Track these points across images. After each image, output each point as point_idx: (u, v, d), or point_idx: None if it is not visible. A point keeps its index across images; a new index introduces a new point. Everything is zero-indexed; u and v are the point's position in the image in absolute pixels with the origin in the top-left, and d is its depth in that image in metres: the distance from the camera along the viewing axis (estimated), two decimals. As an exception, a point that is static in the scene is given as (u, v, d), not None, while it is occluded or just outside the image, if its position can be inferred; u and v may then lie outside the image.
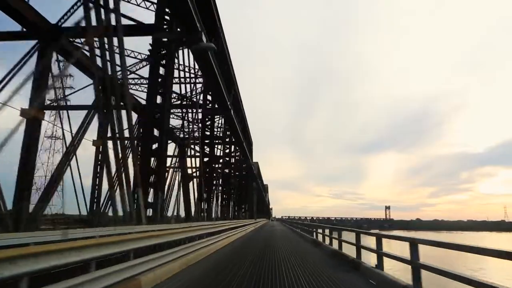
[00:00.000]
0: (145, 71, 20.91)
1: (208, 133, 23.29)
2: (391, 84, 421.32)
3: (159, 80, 12.55)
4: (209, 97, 22.86)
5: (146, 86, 18.69)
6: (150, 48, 13.57)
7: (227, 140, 29.62)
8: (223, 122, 27.78)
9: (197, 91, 22.12)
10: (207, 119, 23.34)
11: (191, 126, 20.66)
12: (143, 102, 17.26)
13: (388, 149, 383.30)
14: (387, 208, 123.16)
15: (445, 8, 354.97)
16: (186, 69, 18.43)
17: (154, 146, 12.37)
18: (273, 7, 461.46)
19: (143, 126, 12.65)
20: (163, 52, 12.74)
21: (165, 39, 12.80)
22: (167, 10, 13.05)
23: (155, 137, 12.35)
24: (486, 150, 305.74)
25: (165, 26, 12.99)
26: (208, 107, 22.77)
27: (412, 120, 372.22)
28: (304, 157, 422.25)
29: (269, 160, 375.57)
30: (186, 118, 21.93)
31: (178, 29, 12.97)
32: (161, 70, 12.69)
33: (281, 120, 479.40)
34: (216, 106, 22.52)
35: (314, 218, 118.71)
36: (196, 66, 18.80)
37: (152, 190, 12.08)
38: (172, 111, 25.96)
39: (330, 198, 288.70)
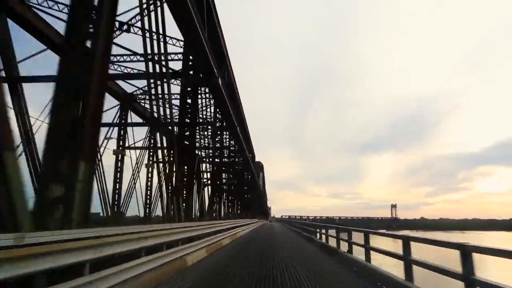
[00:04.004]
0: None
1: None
2: (391, 84, 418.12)
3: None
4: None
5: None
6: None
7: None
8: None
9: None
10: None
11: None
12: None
13: (386, 149, 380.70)
14: (393, 206, 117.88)
15: (445, 8, 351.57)
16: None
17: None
18: (273, 7, 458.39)
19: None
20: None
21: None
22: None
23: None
24: (484, 149, 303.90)
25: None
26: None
27: (412, 120, 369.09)
28: (304, 157, 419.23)
29: (269, 160, 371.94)
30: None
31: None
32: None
33: (281, 120, 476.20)
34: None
35: (317, 218, 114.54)
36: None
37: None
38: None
39: (328, 198, 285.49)
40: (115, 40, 14.78)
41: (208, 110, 22.36)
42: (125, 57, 18.13)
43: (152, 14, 10.46)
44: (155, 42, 10.20)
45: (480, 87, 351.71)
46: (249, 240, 17.72)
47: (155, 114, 11.42)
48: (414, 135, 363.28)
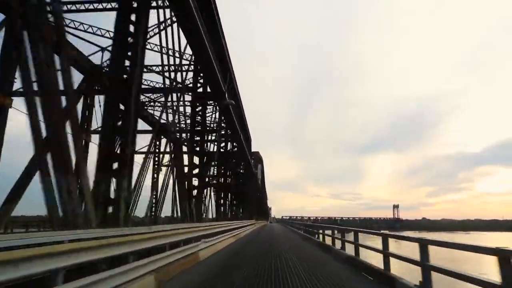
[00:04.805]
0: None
1: (199, 119, 19.34)
2: (391, 84, 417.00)
3: (129, 39, 9.48)
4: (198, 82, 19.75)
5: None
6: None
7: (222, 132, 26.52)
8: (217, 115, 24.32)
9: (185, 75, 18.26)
10: (197, 104, 19.52)
11: (178, 116, 15.65)
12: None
13: (387, 149, 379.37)
14: (396, 207, 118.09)
15: (445, 8, 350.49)
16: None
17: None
18: (273, 7, 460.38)
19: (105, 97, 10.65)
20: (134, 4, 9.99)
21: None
22: None
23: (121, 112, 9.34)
24: (484, 149, 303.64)
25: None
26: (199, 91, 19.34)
27: (412, 120, 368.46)
28: (304, 157, 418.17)
29: (269, 161, 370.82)
30: (171, 105, 15.45)
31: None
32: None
33: (281, 120, 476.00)
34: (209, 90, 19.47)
35: (319, 219, 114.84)
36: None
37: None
38: (153, 97, 24.17)
39: (328, 198, 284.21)
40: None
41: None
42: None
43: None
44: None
45: (480, 87, 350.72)
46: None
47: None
48: (414, 135, 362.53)
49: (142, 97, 22.32)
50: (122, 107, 9.32)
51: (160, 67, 16.42)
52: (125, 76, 9.26)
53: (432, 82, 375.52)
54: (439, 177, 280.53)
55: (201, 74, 19.09)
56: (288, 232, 29.23)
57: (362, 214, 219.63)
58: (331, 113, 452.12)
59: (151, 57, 24.32)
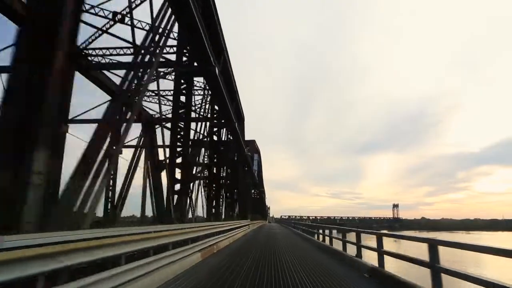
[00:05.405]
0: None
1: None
2: (391, 84, 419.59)
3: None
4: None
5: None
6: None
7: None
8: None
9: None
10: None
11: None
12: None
13: (386, 149, 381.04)
14: (395, 206, 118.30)
15: (445, 8, 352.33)
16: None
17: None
18: (272, 8, 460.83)
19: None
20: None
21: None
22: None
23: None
24: (483, 149, 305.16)
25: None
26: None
27: (412, 120, 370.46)
28: (304, 157, 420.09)
29: (268, 161, 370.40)
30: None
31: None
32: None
33: (281, 120, 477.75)
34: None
35: (318, 218, 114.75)
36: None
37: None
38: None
39: (328, 198, 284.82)
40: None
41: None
42: (118, 50, 16.43)
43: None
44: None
45: (480, 87, 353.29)
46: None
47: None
48: (413, 135, 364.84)
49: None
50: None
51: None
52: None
53: (432, 82, 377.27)
54: (438, 177, 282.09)
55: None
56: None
57: (362, 213, 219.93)
58: (331, 113, 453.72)
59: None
